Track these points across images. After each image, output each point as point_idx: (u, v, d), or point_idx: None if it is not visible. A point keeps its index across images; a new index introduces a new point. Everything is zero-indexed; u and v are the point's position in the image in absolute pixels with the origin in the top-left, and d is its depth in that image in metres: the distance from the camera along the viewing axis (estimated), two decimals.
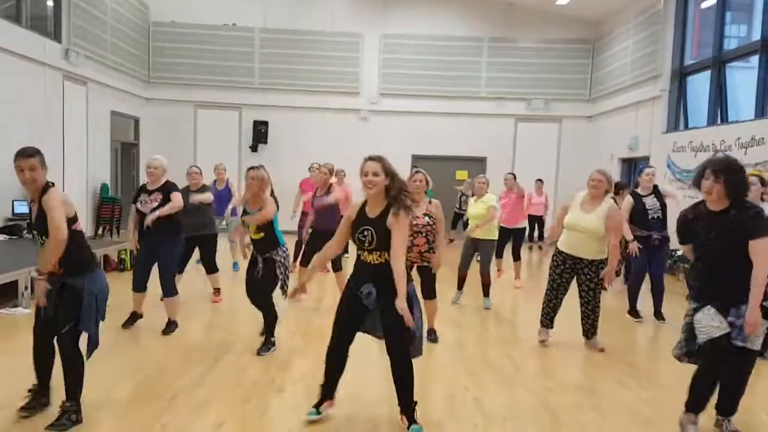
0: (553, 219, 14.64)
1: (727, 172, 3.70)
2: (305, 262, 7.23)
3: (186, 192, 7.14)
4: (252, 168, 5.56)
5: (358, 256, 3.91)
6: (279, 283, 5.52)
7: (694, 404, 3.90)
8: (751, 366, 3.90)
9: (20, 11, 10.28)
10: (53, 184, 3.85)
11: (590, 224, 5.60)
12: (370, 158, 3.83)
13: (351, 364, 4.07)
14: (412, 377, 3.83)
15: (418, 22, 15.39)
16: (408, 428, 3.80)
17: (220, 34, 15.17)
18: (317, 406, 4.01)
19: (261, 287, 5.48)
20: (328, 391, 4.04)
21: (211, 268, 7.55)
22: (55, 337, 3.85)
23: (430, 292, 5.95)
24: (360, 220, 3.84)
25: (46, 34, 10.98)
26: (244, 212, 5.57)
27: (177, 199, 5.92)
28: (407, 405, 3.84)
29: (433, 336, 6.03)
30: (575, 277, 5.81)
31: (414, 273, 5.57)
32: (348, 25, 15.30)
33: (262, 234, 5.46)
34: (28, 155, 3.73)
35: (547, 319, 6.03)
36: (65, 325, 3.79)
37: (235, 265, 9.51)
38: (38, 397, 3.97)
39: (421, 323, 3.93)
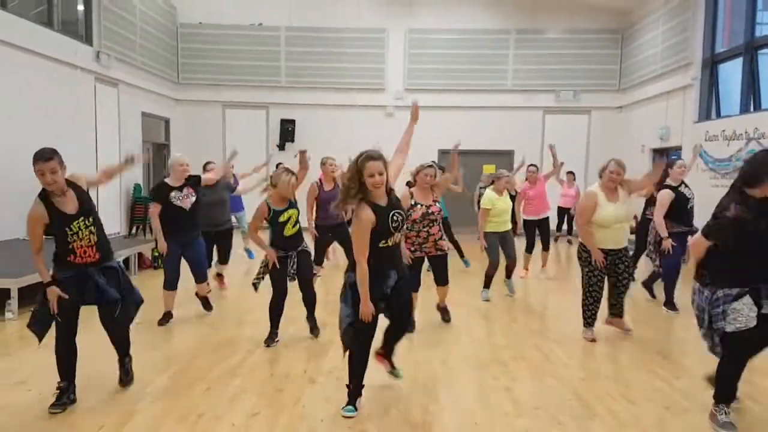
0: None
1: None
2: (319, 261, 7.69)
3: (203, 186, 7.33)
4: (290, 173, 5.62)
5: (384, 245, 3.90)
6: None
7: (724, 395, 3.88)
8: None
9: (52, 16, 10.51)
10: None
11: (626, 212, 5.68)
12: (372, 158, 3.82)
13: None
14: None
15: (444, 16, 15.36)
16: (392, 371, 4.42)
17: (247, 34, 15.32)
18: (352, 402, 4.01)
19: (304, 280, 5.65)
20: (359, 387, 4.07)
21: (223, 260, 7.83)
22: (105, 323, 4.22)
23: (443, 279, 6.18)
24: (382, 212, 3.85)
25: (78, 37, 11.21)
26: (279, 212, 5.54)
27: (210, 177, 6.63)
28: (392, 354, 4.43)
29: (446, 316, 6.36)
30: (612, 268, 5.77)
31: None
32: (373, 21, 15.33)
33: (297, 227, 5.60)
34: (46, 158, 3.80)
35: (593, 318, 5.91)
36: (113, 312, 4.15)
37: (250, 253, 9.61)
38: (67, 394, 4.06)
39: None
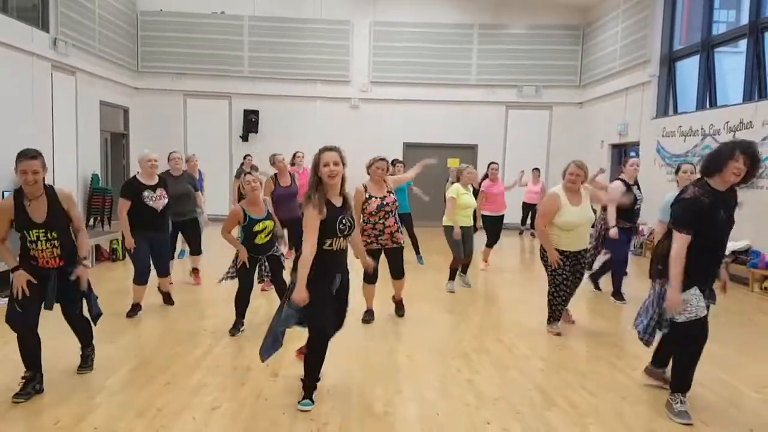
0: None
1: (755, 161, 3.77)
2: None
3: (168, 177, 7.08)
4: (248, 173, 5.64)
5: (328, 248, 3.88)
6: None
7: (681, 385, 3.99)
8: None
9: (6, 0, 10.19)
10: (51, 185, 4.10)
11: (588, 215, 5.70)
12: (328, 149, 3.86)
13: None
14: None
15: (408, 9, 15.36)
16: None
17: (209, 22, 15.08)
18: (309, 396, 4.00)
19: (279, 286, 5.77)
20: (315, 380, 4.08)
21: (195, 249, 7.73)
22: (68, 318, 4.29)
23: (399, 273, 6.16)
24: (333, 211, 3.86)
25: (34, 23, 10.89)
26: (255, 221, 5.58)
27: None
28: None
29: (400, 311, 6.37)
30: (573, 268, 5.81)
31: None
32: (338, 13, 15.24)
33: (270, 237, 5.67)
34: (31, 157, 3.87)
35: (559, 315, 5.96)
36: (76, 309, 4.21)
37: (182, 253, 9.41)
38: (33, 384, 4.04)
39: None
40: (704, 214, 3.78)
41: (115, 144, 14.54)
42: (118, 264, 9.20)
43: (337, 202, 3.91)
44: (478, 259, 8.94)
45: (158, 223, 6.12)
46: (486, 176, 9.46)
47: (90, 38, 12.58)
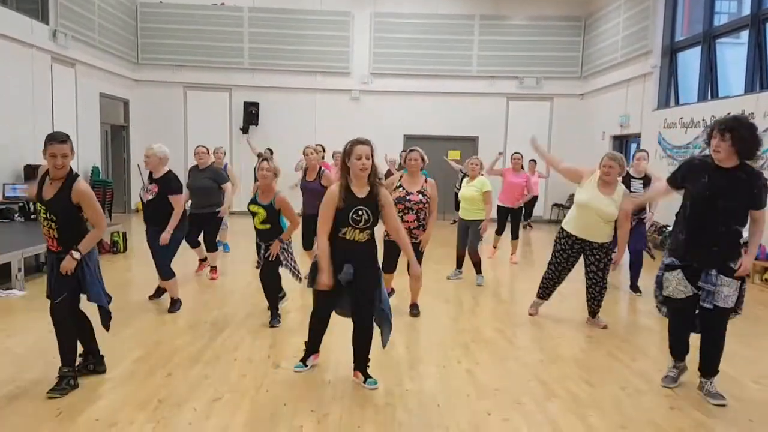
0: (546, 198, 14.82)
1: (733, 129, 3.80)
2: (307, 246, 7.35)
3: (194, 171, 7.51)
4: (264, 159, 5.58)
5: (343, 236, 3.99)
6: (290, 271, 5.73)
7: (671, 350, 4.38)
8: (724, 325, 4.14)
9: None
10: (78, 174, 4.03)
11: (606, 207, 5.50)
12: (360, 142, 3.95)
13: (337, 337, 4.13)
14: (371, 341, 4.24)
15: (409, 0, 15.29)
16: (365, 382, 4.20)
17: (209, 14, 15.04)
18: (303, 360, 4.47)
19: (266, 268, 5.65)
20: (312, 347, 4.47)
21: (211, 246, 7.66)
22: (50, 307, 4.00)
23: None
24: (351, 201, 3.94)
25: (34, 15, 10.87)
26: (253, 201, 5.59)
27: (179, 205, 5.93)
28: (363, 364, 4.25)
29: (415, 310, 6.17)
30: (582, 258, 5.82)
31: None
32: (338, 4, 15.18)
33: (268, 225, 5.57)
34: (60, 141, 3.83)
35: (545, 293, 6.12)
36: (58, 297, 3.96)
37: (225, 246, 9.53)
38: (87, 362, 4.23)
39: (389, 309, 4.27)
40: (688, 166, 4.13)
41: (116, 136, 14.55)
42: (119, 257, 9.21)
43: (360, 193, 3.97)
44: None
45: (147, 214, 6.09)
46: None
47: (90, 30, 12.56)
